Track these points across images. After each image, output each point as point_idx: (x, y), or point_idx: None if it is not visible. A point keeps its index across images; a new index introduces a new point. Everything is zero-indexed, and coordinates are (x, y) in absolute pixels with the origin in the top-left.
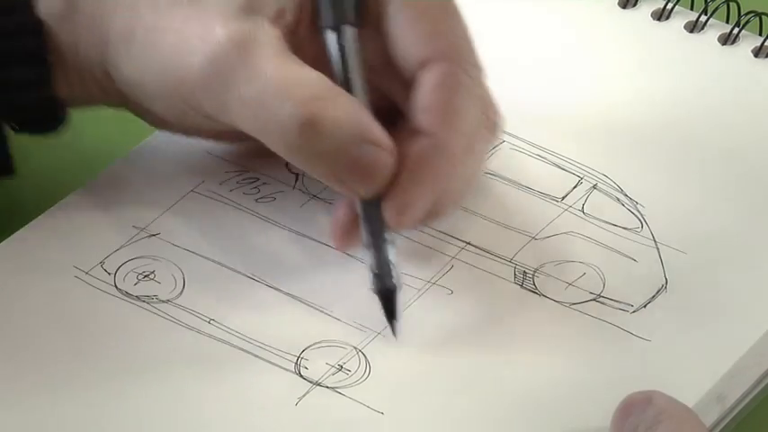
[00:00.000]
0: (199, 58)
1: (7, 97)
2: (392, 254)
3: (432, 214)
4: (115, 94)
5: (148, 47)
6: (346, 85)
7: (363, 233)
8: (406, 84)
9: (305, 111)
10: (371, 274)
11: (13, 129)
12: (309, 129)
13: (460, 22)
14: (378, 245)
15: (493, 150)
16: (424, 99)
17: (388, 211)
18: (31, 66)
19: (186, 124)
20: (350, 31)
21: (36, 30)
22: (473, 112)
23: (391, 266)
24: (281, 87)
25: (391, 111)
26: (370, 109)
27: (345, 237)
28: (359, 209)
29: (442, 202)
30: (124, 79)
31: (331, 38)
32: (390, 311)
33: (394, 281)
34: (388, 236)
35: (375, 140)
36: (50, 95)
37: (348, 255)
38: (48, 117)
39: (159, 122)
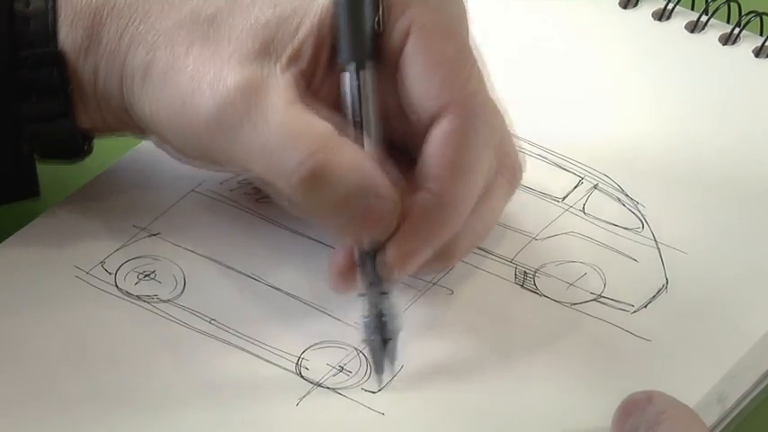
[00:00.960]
0: (207, 103)
1: (29, 128)
2: (388, 304)
3: (439, 264)
4: (135, 127)
5: (162, 87)
6: (358, 124)
7: (359, 281)
8: (419, 130)
9: (310, 163)
10: (362, 323)
11: (35, 158)
12: (314, 181)
13: (477, 70)
14: (372, 294)
15: None
16: (431, 153)
17: (384, 262)
18: (52, 97)
19: (203, 161)
20: (367, 70)
21: (58, 62)
22: (481, 168)
23: (385, 318)
24: (287, 138)
25: (408, 151)
26: (379, 152)
27: (343, 281)
28: (356, 256)
29: (450, 252)
30: (140, 115)
31: (347, 76)
32: (378, 363)
33: (386, 333)
34: (384, 286)
35: (379, 192)
36: (72, 126)
37: None
38: (70, 147)
39: (179, 157)
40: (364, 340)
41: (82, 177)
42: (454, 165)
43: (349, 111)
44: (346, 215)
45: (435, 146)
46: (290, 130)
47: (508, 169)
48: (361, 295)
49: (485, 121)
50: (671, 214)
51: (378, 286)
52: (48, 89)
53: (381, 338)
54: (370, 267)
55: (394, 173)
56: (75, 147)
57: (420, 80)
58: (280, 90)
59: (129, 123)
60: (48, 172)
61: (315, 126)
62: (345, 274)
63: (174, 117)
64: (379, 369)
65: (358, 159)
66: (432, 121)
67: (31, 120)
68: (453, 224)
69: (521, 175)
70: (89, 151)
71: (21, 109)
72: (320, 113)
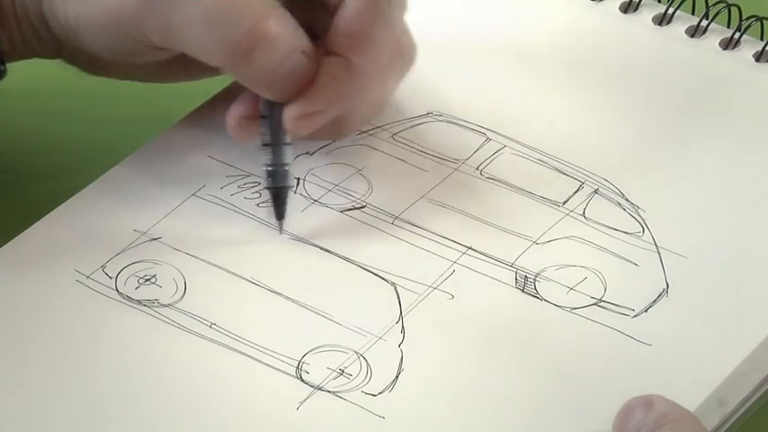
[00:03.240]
0: None
1: None
2: (289, 156)
3: (335, 132)
4: (52, 42)
5: None
6: None
7: (264, 132)
8: (327, 8)
9: (256, 29)
10: (265, 172)
11: None
12: (258, 45)
13: None
14: (277, 145)
15: (495, 155)
16: (345, 24)
17: (290, 116)
18: None
19: (126, 60)
20: None
21: None
22: (389, 42)
23: (287, 167)
24: (229, 5)
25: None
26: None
27: (243, 130)
28: (263, 108)
29: (348, 121)
30: (62, 23)
31: None
32: (280, 210)
33: (287, 181)
34: (287, 138)
35: (305, 49)
36: None
37: (348, 259)
38: None
39: (95, 65)
40: (266, 188)
41: (83, 181)
42: (366, 35)
43: None
44: (280, 75)
45: (348, 16)
46: (228, 1)
47: (404, 49)
48: (266, 145)
49: None
50: (671, 219)
51: (282, 138)
52: None
53: (283, 186)
54: (276, 119)
55: None
56: None
57: None
58: None
59: (48, 40)
60: (49, 176)
61: None
62: (246, 124)
63: (100, 16)
64: (280, 215)
65: (290, 22)
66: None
67: None
68: (358, 91)
69: (414, 56)
70: (3, 74)
71: None
72: None
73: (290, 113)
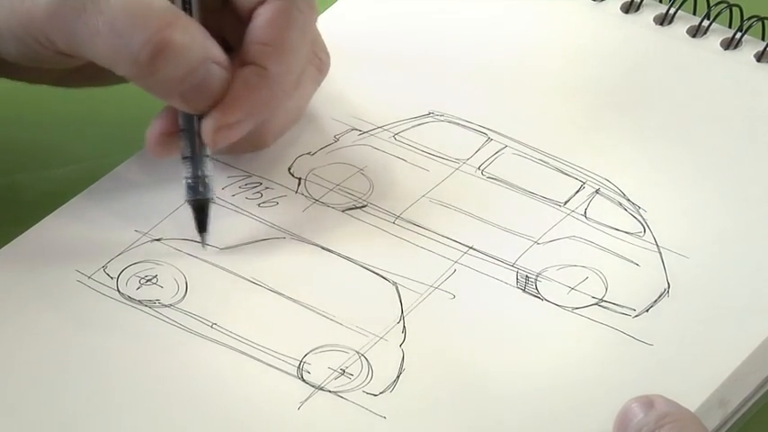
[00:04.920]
0: None
1: None
2: (209, 168)
3: (254, 143)
4: None
5: None
6: (185, 7)
7: (183, 145)
8: (241, 20)
9: (157, 38)
10: (186, 185)
11: None
12: (162, 54)
13: None
14: (196, 158)
15: (496, 155)
16: (258, 33)
17: (207, 128)
18: None
19: (36, 65)
20: None
21: None
22: (303, 49)
23: (207, 180)
24: (132, 16)
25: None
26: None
27: (163, 146)
28: (182, 122)
29: (265, 132)
30: None
31: None
32: (201, 222)
33: (208, 193)
34: (206, 150)
35: (218, 60)
36: None
37: (350, 259)
38: None
39: (4, 69)
40: (188, 201)
41: (84, 182)
42: (279, 42)
43: None
44: (190, 84)
45: (261, 25)
46: (133, 9)
47: (317, 57)
48: (185, 158)
49: (307, 4)
50: (672, 218)
51: (201, 150)
52: None
53: (204, 198)
54: (194, 132)
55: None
56: None
57: None
58: None
59: None
60: (51, 176)
61: (155, 4)
62: (166, 140)
63: (11, 18)
64: (202, 227)
65: (198, 31)
66: (256, 5)
67: None
68: (275, 99)
69: (328, 64)
70: None
71: None
72: None
73: (206, 125)
